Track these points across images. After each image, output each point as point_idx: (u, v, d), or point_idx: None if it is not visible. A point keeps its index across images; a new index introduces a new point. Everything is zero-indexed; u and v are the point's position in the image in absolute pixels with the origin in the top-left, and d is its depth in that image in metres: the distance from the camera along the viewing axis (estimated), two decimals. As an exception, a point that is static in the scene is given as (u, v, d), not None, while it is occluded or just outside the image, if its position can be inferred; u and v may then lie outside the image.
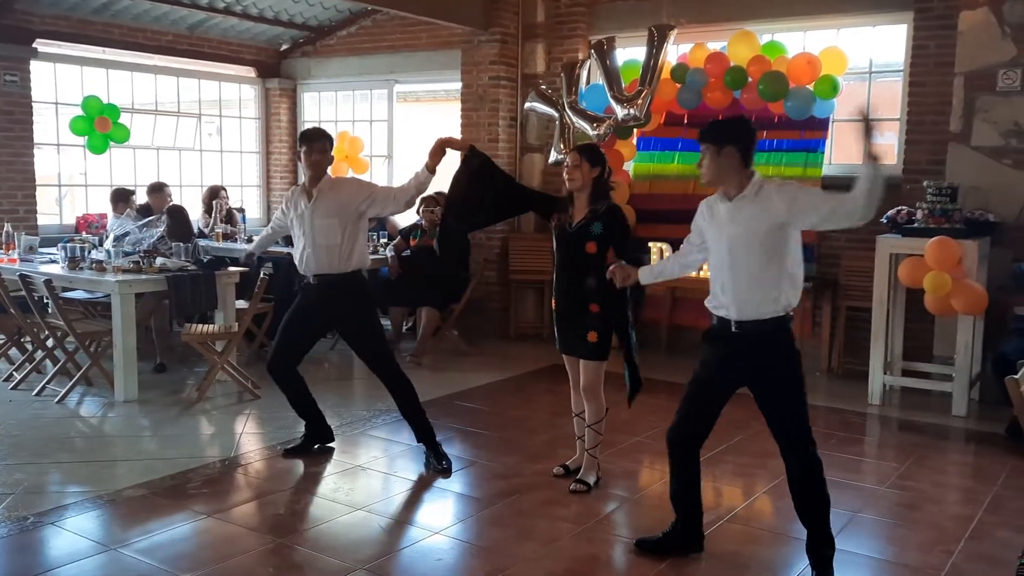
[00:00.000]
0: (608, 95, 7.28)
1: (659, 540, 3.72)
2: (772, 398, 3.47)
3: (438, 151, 4.58)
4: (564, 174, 4.29)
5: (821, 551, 3.49)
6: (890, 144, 7.05)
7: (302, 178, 5.09)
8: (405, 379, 4.79)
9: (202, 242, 7.46)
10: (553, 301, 4.42)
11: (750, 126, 3.59)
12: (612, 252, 4.21)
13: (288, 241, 8.22)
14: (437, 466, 4.68)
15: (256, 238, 5.39)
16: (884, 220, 6.33)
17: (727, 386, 3.58)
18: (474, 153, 4.58)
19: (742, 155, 3.39)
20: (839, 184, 6.95)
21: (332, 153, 4.81)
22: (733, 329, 3.44)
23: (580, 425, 4.54)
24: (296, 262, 4.84)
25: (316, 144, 4.67)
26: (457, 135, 8.58)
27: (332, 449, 4.98)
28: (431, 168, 4.59)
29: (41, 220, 8.39)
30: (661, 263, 4.07)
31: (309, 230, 4.67)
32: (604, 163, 4.30)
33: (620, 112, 7.20)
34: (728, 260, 3.42)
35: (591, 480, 4.42)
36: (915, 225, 6.03)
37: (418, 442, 4.81)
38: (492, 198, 4.59)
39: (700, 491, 3.68)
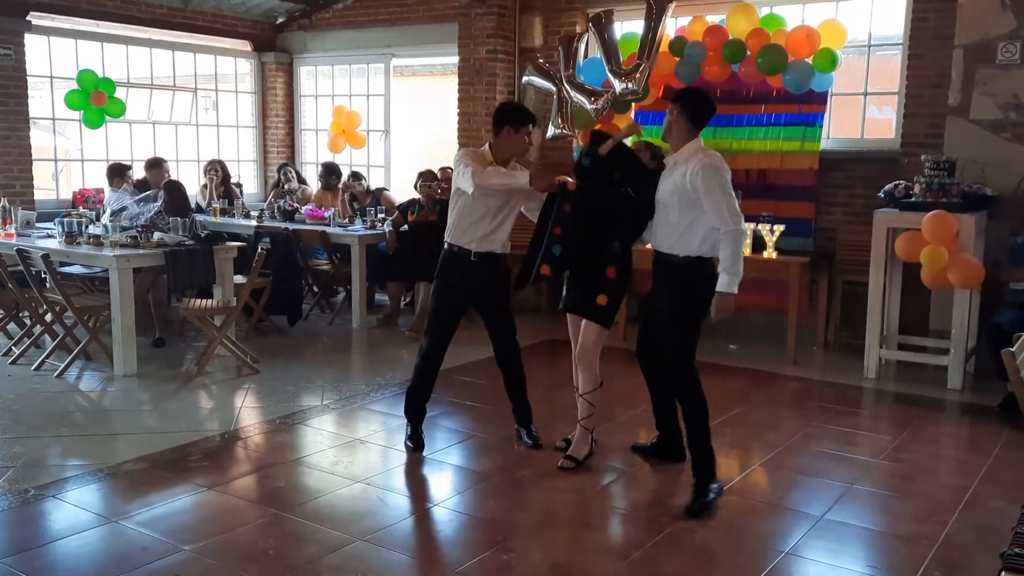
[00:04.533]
0: (606, 69, 7.25)
1: (649, 446, 4.56)
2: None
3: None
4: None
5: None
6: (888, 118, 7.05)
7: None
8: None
9: (200, 217, 7.46)
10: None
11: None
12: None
13: (286, 216, 8.28)
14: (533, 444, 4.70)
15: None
16: (881, 194, 6.33)
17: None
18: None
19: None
20: (836, 159, 7.03)
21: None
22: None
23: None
24: (486, 240, 4.50)
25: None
26: (454, 109, 8.58)
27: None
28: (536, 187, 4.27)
29: (37, 195, 8.38)
30: None
31: (510, 210, 4.50)
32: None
33: (618, 86, 7.18)
34: None
35: (580, 455, 4.38)
36: (912, 199, 6.03)
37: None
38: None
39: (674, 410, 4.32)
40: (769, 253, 6.62)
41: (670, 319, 4.07)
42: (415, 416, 4.75)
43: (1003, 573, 2.21)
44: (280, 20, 10.22)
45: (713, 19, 7.33)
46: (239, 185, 9.57)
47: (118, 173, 8.07)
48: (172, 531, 3.60)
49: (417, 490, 4.23)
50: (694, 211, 3.95)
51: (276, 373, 6.08)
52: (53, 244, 6.34)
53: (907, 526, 3.80)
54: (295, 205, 8.52)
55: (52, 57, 8.63)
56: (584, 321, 4.29)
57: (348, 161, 9.91)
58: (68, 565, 3.34)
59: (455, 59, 8.60)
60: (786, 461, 4.57)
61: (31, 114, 8.25)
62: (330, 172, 8.96)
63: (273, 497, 4.00)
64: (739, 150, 7.26)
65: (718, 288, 3.93)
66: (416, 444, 4.66)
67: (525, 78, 7.98)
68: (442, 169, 8.28)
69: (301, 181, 9.54)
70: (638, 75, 7.05)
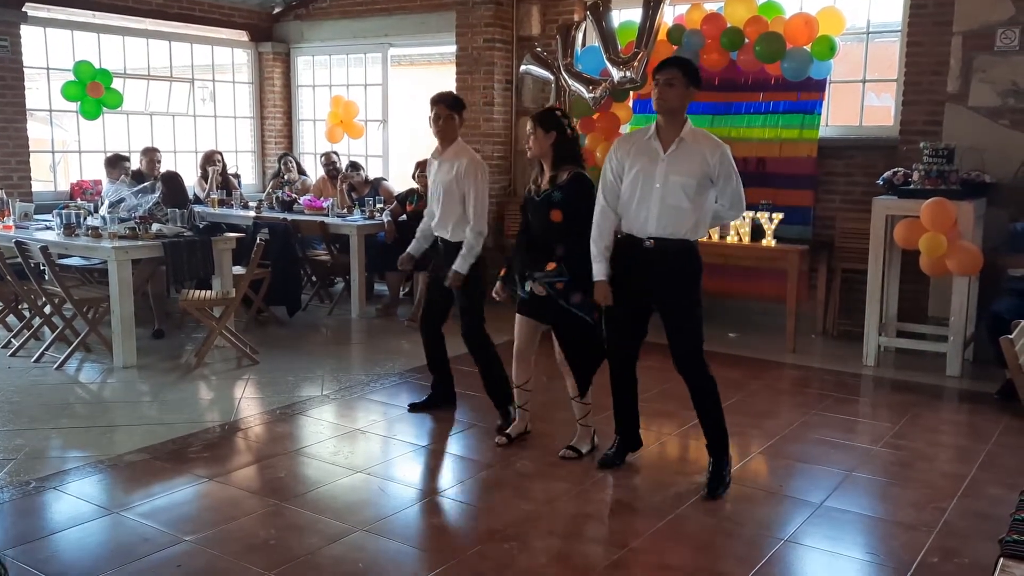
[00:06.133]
0: (604, 57, 7.23)
1: (612, 457, 4.28)
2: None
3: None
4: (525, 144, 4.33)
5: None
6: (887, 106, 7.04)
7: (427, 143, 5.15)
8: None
9: (198, 208, 7.45)
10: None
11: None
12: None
13: (284, 206, 8.27)
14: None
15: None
16: (880, 182, 6.33)
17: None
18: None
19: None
20: (835, 146, 7.01)
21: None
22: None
23: (522, 395, 4.55)
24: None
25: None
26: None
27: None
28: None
29: (35, 187, 8.35)
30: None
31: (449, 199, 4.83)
32: (560, 126, 4.21)
33: (616, 75, 7.16)
34: None
35: (583, 449, 4.41)
36: (911, 186, 6.03)
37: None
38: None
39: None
40: (768, 241, 6.63)
41: (689, 305, 3.97)
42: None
43: (1001, 559, 2.22)
44: (277, 10, 10.18)
45: (711, 7, 7.31)
46: (237, 176, 9.55)
47: (115, 163, 8.06)
48: (173, 522, 3.61)
49: (417, 480, 4.24)
50: (705, 193, 3.91)
51: (276, 364, 6.08)
52: (51, 236, 6.33)
53: (906, 513, 3.81)
54: (293, 195, 8.51)
55: (48, 48, 8.60)
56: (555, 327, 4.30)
57: (346, 151, 9.89)
58: (70, 557, 3.35)
59: (453, 48, 8.57)
60: (785, 449, 4.58)
61: (28, 106, 8.23)
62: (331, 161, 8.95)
63: (274, 487, 4.01)
64: (737, 138, 7.23)
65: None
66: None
67: (523, 67, 7.96)
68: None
69: (301, 171, 9.53)
70: (636, 63, 7.03)
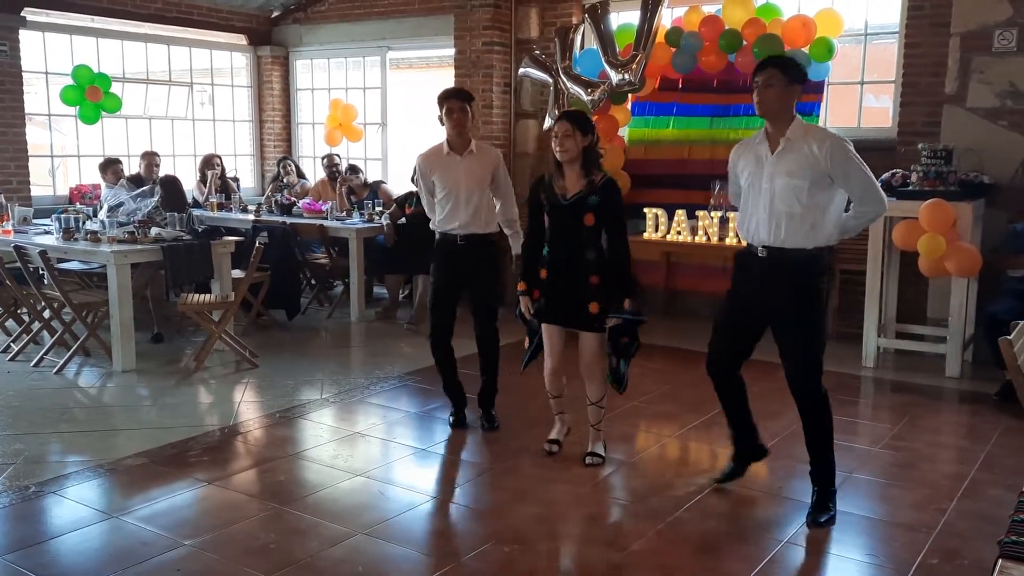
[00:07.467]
0: (602, 60, 7.24)
1: (732, 469, 4.07)
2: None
3: None
4: (555, 145, 4.12)
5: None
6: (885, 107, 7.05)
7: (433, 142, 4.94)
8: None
9: (197, 211, 7.45)
10: (543, 272, 4.23)
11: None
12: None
13: (283, 209, 8.27)
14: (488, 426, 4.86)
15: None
16: (878, 183, 6.32)
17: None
18: None
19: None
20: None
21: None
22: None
23: (558, 403, 4.50)
24: (445, 223, 4.74)
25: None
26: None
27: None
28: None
29: (34, 191, 8.36)
30: None
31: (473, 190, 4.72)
32: (594, 130, 4.19)
33: (614, 77, 7.16)
34: None
35: (602, 451, 4.37)
36: (910, 188, 6.03)
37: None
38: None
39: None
40: (767, 243, 6.62)
41: (807, 327, 3.63)
42: (450, 397, 4.99)
43: (1000, 560, 2.22)
44: (275, 14, 10.19)
45: (709, 9, 7.32)
46: (236, 179, 9.55)
47: (107, 167, 8.09)
48: (173, 526, 3.61)
49: (417, 483, 4.23)
50: (825, 194, 3.57)
51: (275, 367, 6.08)
52: (50, 240, 6.33)
53: (906, 514, 3.81)
54: (292, 199, 8.51)
55: (47, 52, 8.60)
56: (581, 334, 4.21)
57: (345, 154, 9.89)
58: (70, 561, 3.35)
59: (451, 51, 8.57)
60: (786, 450, 4.56)
61: (26, 110, 8.23)
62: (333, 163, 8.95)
63: (273, 491, 4.00)
64: (736, 140, 7.22)
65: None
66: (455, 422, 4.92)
67: (521, 70, 7.96)
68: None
69: (300, 175, 9.53)
70: (634, 66, 7.03)
